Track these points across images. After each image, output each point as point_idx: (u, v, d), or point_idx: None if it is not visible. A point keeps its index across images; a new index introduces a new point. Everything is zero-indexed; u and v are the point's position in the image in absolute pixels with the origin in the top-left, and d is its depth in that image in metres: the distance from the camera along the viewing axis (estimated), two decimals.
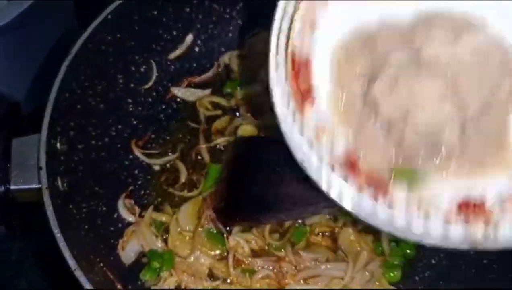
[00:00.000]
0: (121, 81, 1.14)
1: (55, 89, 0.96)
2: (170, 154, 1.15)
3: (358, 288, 1.01)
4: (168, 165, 1.14)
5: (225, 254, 1.04)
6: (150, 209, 1.08)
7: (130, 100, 1.16)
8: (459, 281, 1.03)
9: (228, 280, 1.02)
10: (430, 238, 0.68)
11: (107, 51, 1.08)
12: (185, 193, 1.10)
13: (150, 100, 1.19)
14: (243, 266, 1.02)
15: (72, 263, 0.85)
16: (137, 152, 1.14)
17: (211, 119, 1.19)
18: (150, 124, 1.18)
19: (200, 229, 1.04)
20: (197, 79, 1.23)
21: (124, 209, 1.07)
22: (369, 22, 0.70)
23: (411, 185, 0.68)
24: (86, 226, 0.98)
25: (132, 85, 1.16)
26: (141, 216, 1.07)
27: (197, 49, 1.23)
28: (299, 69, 0.69)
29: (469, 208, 0.67)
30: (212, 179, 1.10)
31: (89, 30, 1.03)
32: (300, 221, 1.07)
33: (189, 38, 1.21)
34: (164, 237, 1.06)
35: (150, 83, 1.19)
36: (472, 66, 0.67)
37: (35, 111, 1.11)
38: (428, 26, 0.69)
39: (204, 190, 1.10)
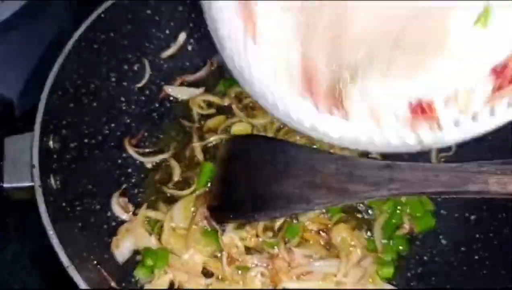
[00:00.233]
0: (114, 79, 1.14)
1: (47, 88, 0.97)
2: (164, 152, 1.15)
3: (351, 284, 1.01)
4: (161, 164, 1.15)
5: (219, 251, 1.04)
6: (144, 207, 1.08)
7: (123, 99, 1.16)
8: (452, 278, 1.03)
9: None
10: (389, 146, 0.75)
11: (100, 49, 1.08)
12: (179, 191, 1.11)
13: (143, 98, 1.20)
14: (237, 263, 1.03)
15: (65, 260, 0.86)
16: (131, 151, 1.14)
17: (204, 118, 1.19)
18: (143, 123, 1.18)
19: (194, 226, 1.05)
20: (190, 77, 1.23)
21: (118, 207, 1.07)
22: None
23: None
24: (80, 224, 0.98)
25: (125, 83, 1.17)
26: (134, 214, 1.08)
27: (190, 47, 1.23)
28: None
29: (419, 111, 0.70)
30: (205, 177, 1.10)
31: (82, 28, 1.04)
32: (293, 218, 1.07)
33: (182, 36, 1.21)
34: (158, 235, 1.06)
35: (143, 82, 1.19)
36: None
37: (29, 111, 1.11)
38: None
39: (198, 188, 1.10)
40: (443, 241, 1.07)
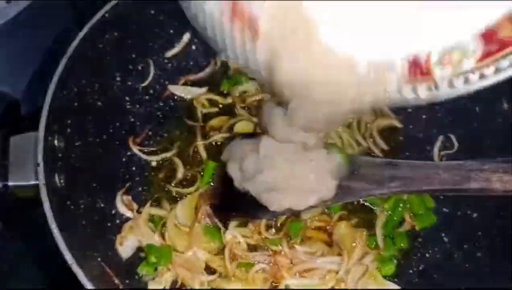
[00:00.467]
0: (118, 79, 1.15)
1: (52, 87, 0.97)
2: (168, 151, 1.16)
3: (353, 281, 1.02)
4: (165, 162, 1.16)
5: (222, 248, 1.05)
6: (148, 204, 1.09)
7: (127, 98, 1.17)
8: (453, 275, 1.03)
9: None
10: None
11: (105, 49, 1.09)
12: (183, 189, 1.11)
13: (147, 98, 1.20)
14: (239, 260, 1.04)
15: (69, 257, 0.86)
16: (135, 149, 1.15)
17: (208, 117, 1.20)
18: (147, 122, 1.19)
19: (197, 224, 1.06)
20: (194, 77, 1.24)
21: (122, 205, 1.09)
22: None
23: None
24: (84, 222, 0.99)
25: (129, 83, 1.18)
26: (139, 212, 1.09)
27: (194, 47, 1.24)
28: None
29: (417, 68, 0.73)
30: (209, 176, 1.11)
31: (87, 28, 1.04)
32: (295, 216, 1.07)
33: (186, 36, 1.22)
34: (162, 233, 1.07)
35: (148, 81, 1.20)
36: None
37: (34, 110, 1.12)
38: None
39: (201, 186, 1.11)
40: (445, 239, 1.07)
